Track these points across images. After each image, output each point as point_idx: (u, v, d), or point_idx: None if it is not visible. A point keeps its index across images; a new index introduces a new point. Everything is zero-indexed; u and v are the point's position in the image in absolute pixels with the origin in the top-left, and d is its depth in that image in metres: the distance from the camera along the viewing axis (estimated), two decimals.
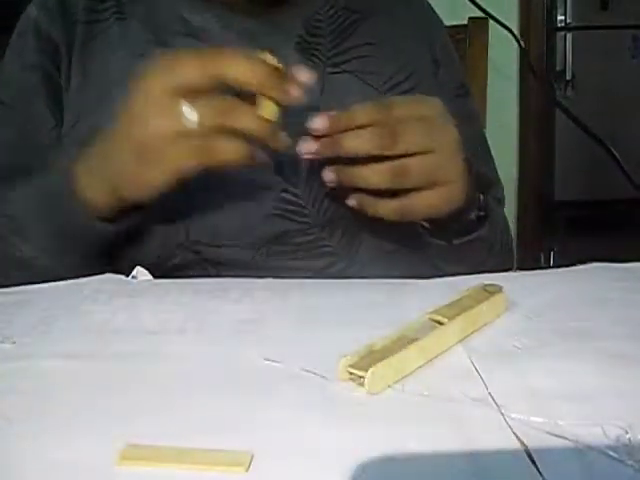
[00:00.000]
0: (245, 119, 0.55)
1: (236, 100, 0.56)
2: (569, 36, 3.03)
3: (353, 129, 0.58)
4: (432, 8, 0.86)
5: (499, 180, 0.85)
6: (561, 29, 3.02)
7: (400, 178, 0.59)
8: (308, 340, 0.47)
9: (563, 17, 3.01)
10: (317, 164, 0.64)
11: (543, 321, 0.48)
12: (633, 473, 0.31)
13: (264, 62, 0.56)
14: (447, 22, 1.12)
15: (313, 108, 0.63)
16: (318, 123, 0.58)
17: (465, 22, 1.12)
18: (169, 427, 0.36)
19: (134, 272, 0.60)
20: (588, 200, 3.11)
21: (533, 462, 0.32)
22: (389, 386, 0.39)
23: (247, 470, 0.32)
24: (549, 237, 2.84)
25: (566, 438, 0.34)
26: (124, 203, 0.61)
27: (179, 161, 0.56)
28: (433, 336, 0.43)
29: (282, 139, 0.58)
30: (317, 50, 0.74)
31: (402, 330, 0.43)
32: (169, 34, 0.73)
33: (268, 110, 0.55)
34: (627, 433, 0.33)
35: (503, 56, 2.09)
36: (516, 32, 0.79)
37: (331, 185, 0.61)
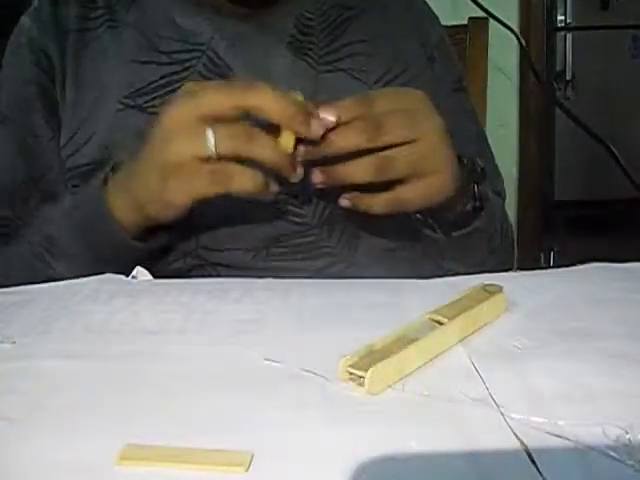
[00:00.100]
0: (265, 150, 0.57)
1: (257, 130, 0.57)
2: (569, 36, 3.04)
3: (336, 127, 0.58)
4: (426, 3, 0.85)
5: (499, 174, 0.85)
6: (561, 29, 3.03)
7: (385, 170, 0.59)
8: (308, 340, 0.47)
9: (563, 17, 3.02)
10: (311, 165, 0.64)
11: (543, 321, 0.48)
12: (633, 473, 0.31)
13: (289, 97, 0.57)
14: (447, 22, 1.12)
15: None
16: (317, 128, 0.58)
17: (465, 22, 1.12)
18: (169, 427, 0.36)
19: (134, 272, 0.60)
20: (588, 200, 3.11)
21: (533, 462, 0.32)
22: (389, 386, 0.39)
23: (247, 470, 0.32)
24: (549, 237, 2.84)
25: (566, 438, 0.34)
26: (151, 222, 0.63)
27: (198, 186, 0.58)
28: (433, 336, 0.43)
29: (298, 171, 0.59)
30: (309, 49, 0.74)
31: (402, 330, 0.43)
32: (160, 39, 0.73)
33: (287, 142, 0.57)
34: (627, 433, 0.33)
35: (503, 56, 2.09)
36: (516, 32, 0.79)
37: (321, 186, 0.61)
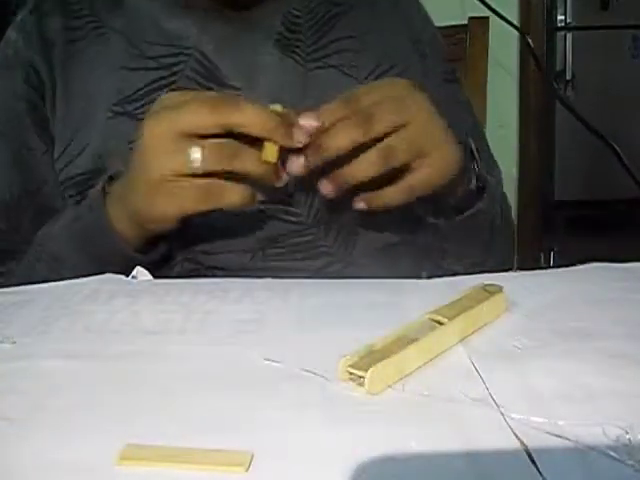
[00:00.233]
0: (249, 164, 0.57)
1: (240, 145, 0.57)
2: (569, 36, 3.04)
3: (326, 130, 0.58)
4: (417, 0, 0.85)
5: (497, 165, 0.85)
6: (561, 29, 3.03)
7: (388, 159, 0.59)
8: (308, 340, 0.47)
9: (563, 17, 3.02)
10: (315, 175, 0.64)
11: (543, 321, 0.48)
12: (633, 473, 0.31)
13: (268, 110, 0.58)
14: (447, 22, 1.13)
15: (296, 107, 0.64)
16: (299, 137, 0.58)
17: (465, 22, 1.12)
18: (169, 427, 0.36)
19: (134, 272, 0.60)
20: (588, 200, 3.12)
21: (533, 462, 0.32)
22: (389, 386, 0.39)
23: (247, 470, 0.32)
24: (549, 237, 2.84)
25: (566, 438, 0.34)
26: (149, 233, 0.63)
27: (187, 202, 0.58)
28: (433, 336, 0.43)
29: (282, 178, 0.60)
30: (297, 46, 0.74)
31: (402, 330, 0.43)
32: (147, 45, 0.72)
33: (271, 152, 0.58)
34: (627, 433, 0.33)
35: (503, 56, 2.09)
36: (521, 30, 0.79)
37: (331, 195, 0.61)
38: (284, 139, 0.57)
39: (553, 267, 0.63)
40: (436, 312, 0.46)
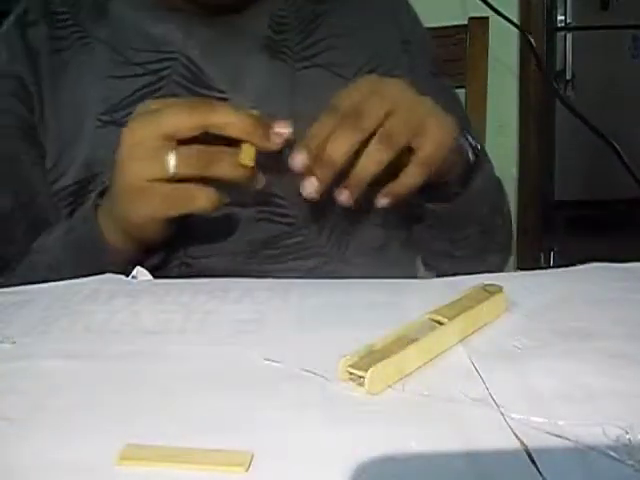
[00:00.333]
0: (226, 168, 0.59)
1: (217, 150, 0.58)
2: (569, 36, 3.04)
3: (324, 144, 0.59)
4: None
5: (488, 157, 0.86)
6: (561, 29, 3.03)
7: (389, 146, 0.59)
8: (308, 340, 0.47)
9: (563, 17, 3.02)
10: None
11: (543, 321, 0.48)
12: (633, 473, 0.31)
13: (247, 113, 0.59)
14: (447, 22, 1.13)
15: (285, 109, 0.66)
16: (299, 161, 0.59)
17: (465, 22, 1.12)
18: (169, 427, 0.36)
19: (134, 272, 0.60)
20: (588, 200, 3.12)
21: (533, 462, 0.32)
22: (389, 386, 0.39)
23: (247, 470, 0.32)
24: (549, 237, 2.84)
25: (566, 438, 0.34)
26: (138, 244, 0.64)
27: (157, 207, 0.59)
28: (433, 336, 0.43)
29: (259, 180, 0.61)
30: (285, 47, 0.74)
31: (402, 330, 0.43)
32: (134, 52, 0.72)
33: (248, 155, 0.59)
34: (627, 433, 0.33)
35: (504, 56, 2.10)
36: (522, 29, 0.79)
37: (351, 204, 0.61)
38: (261, 141, 0.58)
39: (553, 267, 0.63)
40: (436, 312, 0.46)
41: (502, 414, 0.36)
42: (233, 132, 0.58)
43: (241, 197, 0.66)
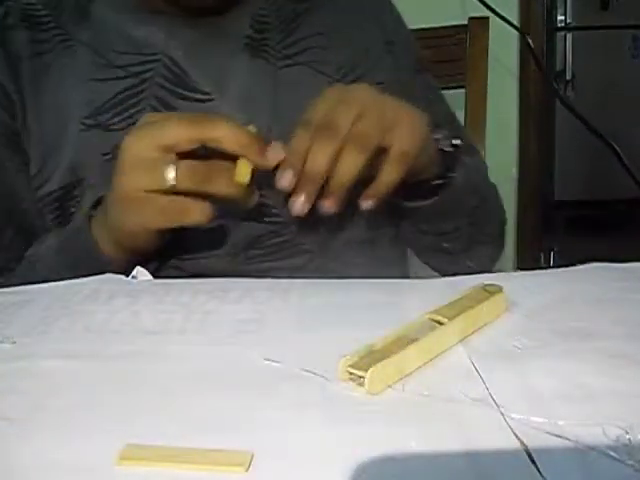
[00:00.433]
0: (222, 184, 0.59)
1: (214, 166, 0.59)
2: (569, 36, 3.04)
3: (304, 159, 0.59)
4: None
5: (476, 150, 0.86)
6: (561, 29, 3.03)
7: (363, 147, 0.59)
8: (308, 340, 0.47)
9: (563, 17, 3.02)
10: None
11: (543, 321, 0.48)
12: (633, 473, 0.31)
13: (244, 129, 0.59)
14: (447, 22, 1.13)
15: (269, 107, 0.67)
16: (286, 180, 0.59)
17: (465, 22, 1.12)
18: (169, 427, 0.36)
19: (134, 272, 0.60)
20: (588, 200, 3.12)
21: (533, 462, 0.32)
22: (389, 386, 0.39)
23: (247, 470, 0.32)
24: (549, 237, 2.84)
25: (566, 438, 0.34)
26: (132, 253, 0.64)
27: (148, 218, 0.60)
28: (433, 336, 0.43)
29: (253, 199, 0.62)
30: (266, 46, 0.74)
31: (402, 330, 0.43)
32: (116, 54, 0.72)
33: (244, 172, 0.59)
34: (627, 433, 0.33)
35: (504, 56, 2.09)
36: (521, 30, 0.79)
37: (336, 210, 0.61)
38: (257, 157, 0.59)
39: (553, 267, 0.63)
40: (436, 312, 0.46)
41: (502, 414, 0.36)
42: (230, 146, 0.58)
43: (236, 212, 0.67)
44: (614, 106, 3.00)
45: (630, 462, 0.31)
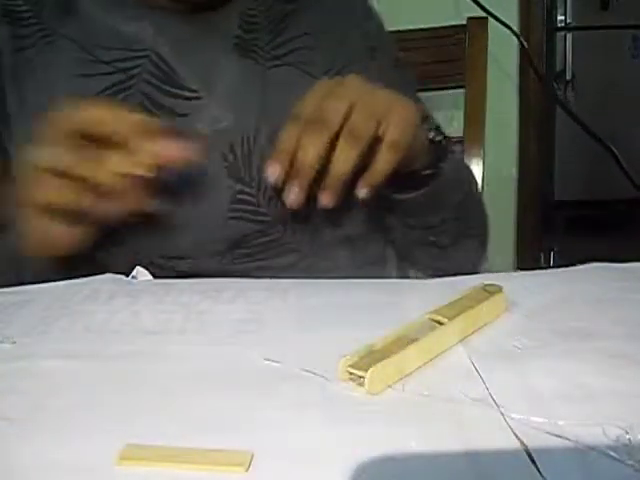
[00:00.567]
0: (99, 173, 0.56)
1: (99, 154, 0.57)
2: (569, 36, 3.03)
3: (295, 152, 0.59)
4: None
5: (458, 144, 0.87)
6: (561, 29, 3.03)
7: (357, 137, 0.59)
8: (308, 340, 0.47)
9: (563, 17, 3.02)
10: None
11: (543, 321, 0.48)
12: (633, 473, 0.31)
13: (127, 116, 0.57)
14: (447, 22, 1.13)
15: (256, 107, 0.67)
16: (273, 172, 0.59)
17: (465, 22, 1.12)
18: (169, 427, 0.36)
19: (134, 272, 0.60)
20: (588, 200, 3.11)
21: (533, 462, 0.32)
22: (389, 386, 0.39)
23: (247, 470, 0.32)
24: (549, 237, 2.84)
25: (566, 438, 0.34)
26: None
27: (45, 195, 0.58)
28: (433, 336, 0.43)
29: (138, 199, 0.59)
30: (255, 46, 0.75)
31: (402, 330, 0.43)
32: (102, 50, 0.71)
33: (122, 165, 0.56)
34: (627, 433, 0.33)
35: (503, 56, 2.09)
36: (517, 32, 0.79)
37: (334, 204, 0.61)
38: (138, 144, 0.57)
39: (553, 267, 0.63)
40: (436, 312, 0.46)
41: (502, 414, 0.36)
42: (102, 130, 0.56)
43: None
44: (614, 106, 3.00)
45: (630, 462, 0.31)
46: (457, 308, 0.46)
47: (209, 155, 0.69)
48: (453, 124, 1.03)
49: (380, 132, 0.60)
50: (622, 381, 0.39)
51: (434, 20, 1.12)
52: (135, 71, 0.71)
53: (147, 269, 0.67)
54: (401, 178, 0.66)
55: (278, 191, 0.65)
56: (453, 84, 1.11)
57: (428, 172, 0.71)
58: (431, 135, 0.70)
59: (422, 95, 0.87)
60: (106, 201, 0.57)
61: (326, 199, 0.61)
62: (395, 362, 0.40)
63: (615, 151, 0.67)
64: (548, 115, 2.75)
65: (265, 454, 0.33)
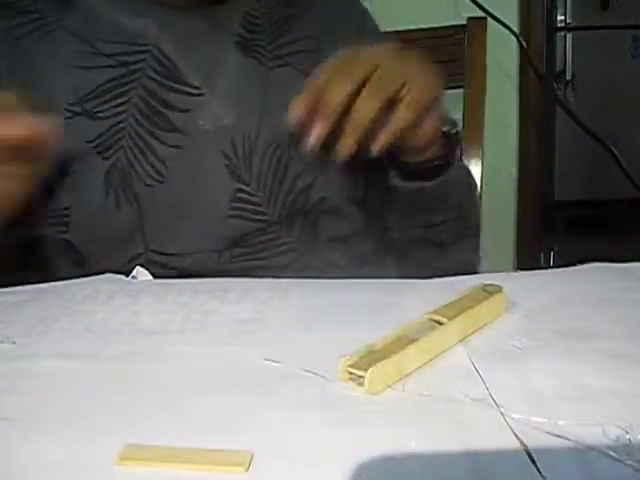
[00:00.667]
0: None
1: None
2: (569, 36, 3.04)
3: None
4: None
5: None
6: (561, 29, 3.03)
7: (380, 90, 0.60)
8: (308, 340, 0.47)
9: (563, 17, 3.02)
10: (269, 162, 0.67)
11: (543, 321, 0.48)
12: (633, 473, 0.31)
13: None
14: (446, 22, 1.13)
15: (258, 106, 0.67)
16: (297, 111, 0.60)
17: (464, 22, 1.12)
18: (169, 427, 0.36)
19: (134, 272, 0.60)
20: (588, 200, 3.11)
21: (533, 462, 0.32)
22: (389, 386, 0.39)
23: (247, 470, 0.32)
24: (549, 237, 2.84)
25: (566, 438, 0.34)
26: None
27: None
28: (433, 336, 0.43)
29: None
30: (257, 46, 0.75)
31: (402, 330, 0.43)
32: (104, 43, 0.71)
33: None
34: (627, 433, 0.33)
35: (503, 56, 2.10)
36: (516, 32, 0.79)
37: (353, 151, 0.61)
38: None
39: (553, 267, 0.63)
40: (436, 312, 0.46)
41: (502, 414, 0.36)
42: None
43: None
44: (614, 106, 3.00)
45: (630, 462, 0.31)
46: (457, 308, 0.46)
47: (209, 154, 0.69)
48: None
49: (403, 90, 0.61)
50: (622, 381, 0.39)
51: (433, 20, 1.12)
52: (137, 66, 0.71)
53: (144, 267, 0.68)
54: (414, 164, 0.67)
55: (296, 137, 0.65)
56: (452, 84, 1.11)
57: (440, 162, 0.71)
58: (446, 127, 0.71)
59: None
60: None
61: (345, 148, 0.61)
62: (395, 362, 0.40)
63: (615, 151, 0.67)
64: (548, 115, 2.75)
65: (265, 454, 0.33)
